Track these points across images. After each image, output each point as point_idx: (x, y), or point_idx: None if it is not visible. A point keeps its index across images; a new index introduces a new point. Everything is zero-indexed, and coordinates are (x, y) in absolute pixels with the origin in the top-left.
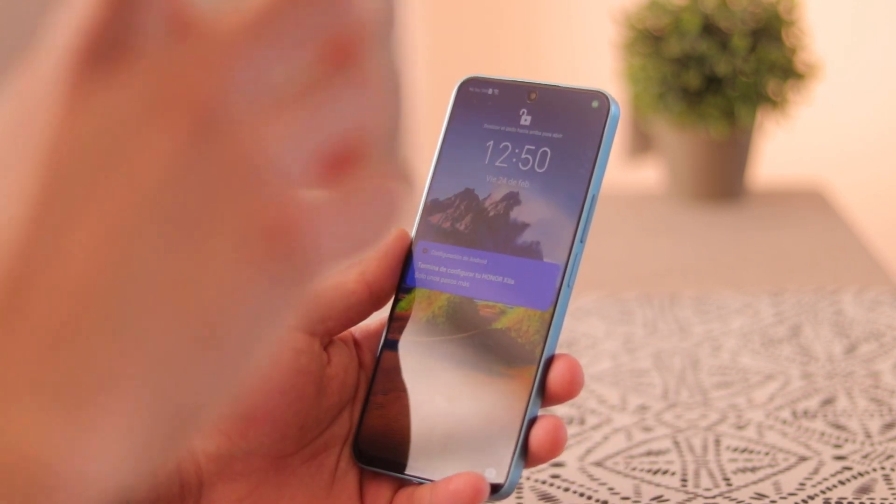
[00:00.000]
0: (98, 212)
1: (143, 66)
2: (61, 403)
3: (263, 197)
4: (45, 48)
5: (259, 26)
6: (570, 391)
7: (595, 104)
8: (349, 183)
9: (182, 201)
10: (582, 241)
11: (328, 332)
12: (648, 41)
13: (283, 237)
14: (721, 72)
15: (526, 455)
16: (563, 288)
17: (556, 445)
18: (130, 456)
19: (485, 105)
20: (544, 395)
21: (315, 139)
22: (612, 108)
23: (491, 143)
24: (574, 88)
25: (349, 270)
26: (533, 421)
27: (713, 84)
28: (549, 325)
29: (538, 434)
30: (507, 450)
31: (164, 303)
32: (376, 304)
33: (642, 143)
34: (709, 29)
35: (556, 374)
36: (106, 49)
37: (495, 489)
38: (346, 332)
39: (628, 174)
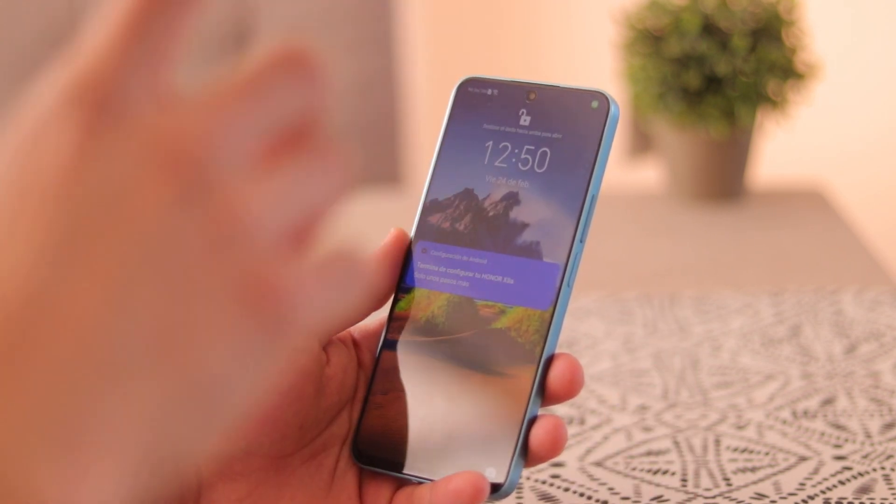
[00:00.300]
0: (96, 264)
1: (136, 126)
2: (57, 445)
3: (247, 258)
4: (47, 96)
5: (239, 97)
6: (570, 390)
7: (595, 104)
8: (323, 252)
9: (171, 256)
10: (582, 241)
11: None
12: (648, 41)
13: (265, 299)
14: (721, 72)
15: (526, 454)
16: (563, 288)
17: (556, 445)
18: (121, 494)
19: (484, 105)
20: (544, 394)
21: (289, 206)
22: (612, 109)
23: (490, 143)
24: (573, 88)
25: None
26: (533, 420)
27: (713, 84)
28: (549, 324)
29: (538, 433)
30: (507, 449)
31: (155, 355)
32: (375, 304)
33: (642, 143)
34: (709, 29)
35: (557, 374)
36: (107, 107)
37: (495, 488)
38: (344, 332)
39: (628, 174)
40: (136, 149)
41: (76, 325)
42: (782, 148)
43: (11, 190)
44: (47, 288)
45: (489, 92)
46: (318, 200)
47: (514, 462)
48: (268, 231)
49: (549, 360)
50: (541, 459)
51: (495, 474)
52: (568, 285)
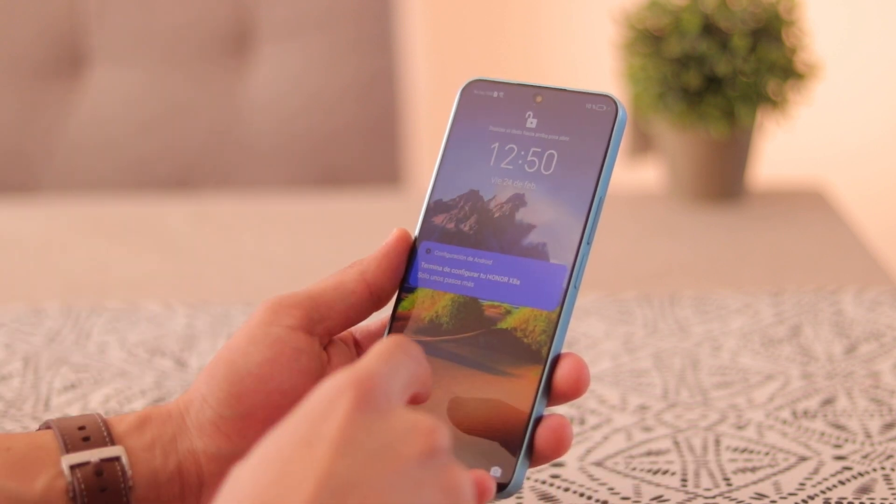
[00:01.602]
0: (367, 494)
1: (394, 410)
2: None
3: (438, 466)
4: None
5: (390, 358)
6: (576, 390)
7: (602, 108)
8: None
9: (420, 497)
10: (589, 243)
11: (328, 331)
12: (648, 41)
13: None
14: (721, 72)
15: (531, 454)
16: (569, 289)
17: (561, 444)
18: None
19: (490, 107)
20: (550, 394)
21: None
22: (620, 112)
23: (496, 145)
24: (581, 92)
25: (350, 270)
26: (539, 420)
27: (713, 84)
28: (556, 325)
29: (544, 433)
30: (512, 449)
31: None
32: (377, 304)
33: (642, 143)
34: (709, 29)
35: (563, 373)
36: (373, 396)
37: (501, 487)
38: (346, 333)
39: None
40: (397, 426)
41: None
42: (782, 148)
43: (300, 438)
44: None
45: (495, 94)
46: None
47: (519, 461)
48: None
49: (556, 361)
50: (546, 459)
51: (501, 473)
52: (575, 286)
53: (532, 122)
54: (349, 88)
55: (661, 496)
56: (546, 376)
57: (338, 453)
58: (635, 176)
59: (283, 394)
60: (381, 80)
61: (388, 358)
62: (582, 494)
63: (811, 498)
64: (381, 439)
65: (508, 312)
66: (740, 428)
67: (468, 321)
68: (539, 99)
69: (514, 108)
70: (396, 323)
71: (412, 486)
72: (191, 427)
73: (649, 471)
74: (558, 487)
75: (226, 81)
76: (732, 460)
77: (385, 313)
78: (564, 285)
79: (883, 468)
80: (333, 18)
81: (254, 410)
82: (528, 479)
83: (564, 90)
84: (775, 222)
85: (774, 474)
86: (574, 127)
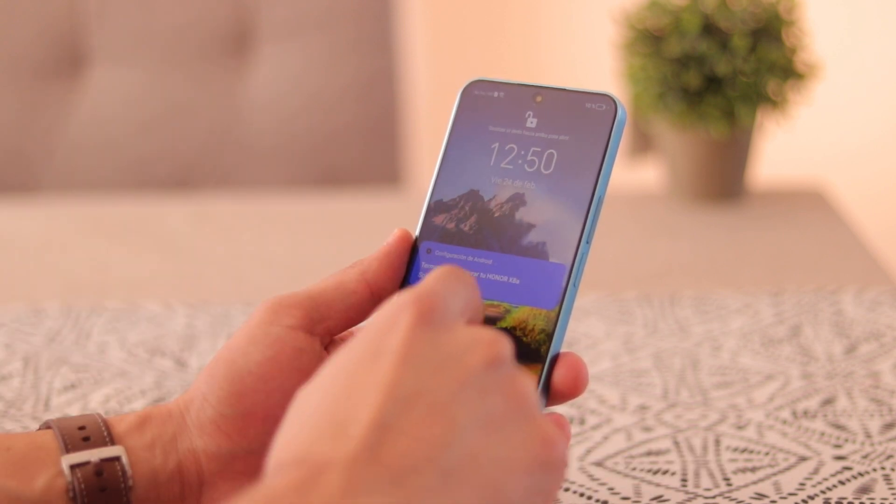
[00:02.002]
0: (431, 402)
1: (453, 325)
2: None
3: (535, 418)
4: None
5: (448, 281)
6: (575, 389)
7: (602, 107)
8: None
9: (483, 404)
10: (588, 242)
11: (328, 331)
12: (648, 41)
13: (553, 452)
14: (721, 72)
15: None
16: (569, 288)
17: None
18: None
19: (490, 107)
20: (549, 393)
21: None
22: (619, 112)
23: (496, 145)
24: (580, 91)
25: (350, 270)
26: None
27: (713, 84)
28: (556, 324)
29: (560, 371)
30: None
31: (472, 472)
32: (377, 305)
33: (642, 143)
34: (709, 29)
35: (562, 373)
36: (431, 314)
37: None
38: (347, 332)
39: (628, 174)
40: (459, 339)
41: (418, 442)
42: (782, 148)
43: (366, 353)
44: (396, 416)
45: (495, 94)
46: None
47: None
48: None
49: (555, 360)
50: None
51: None
52: (574, 286)
53: (532, 122)
54: (349, 88)
55: (661, 496)
56: (545, 375)
57: (403, 364)
58: (635, 176)
59: (284, 393)
60: (381, 80)
61: (447, 280)
62: (582, 494)
63: (811, 498)
64: (445, 350)
65: (508, 311)
66: (740, 428)
67: None
68: (539, 99)
69: (515, 108)
70: None
71: (477, 393)
72: (191, 426)
73: (649, 471)
74: None
75: (226, 81)
76: (732, 460)
77: None
78: (564, 284)
79: (883, 468)
80: (333, 18)
81: (254, 409)
82: None
83: (564, 90)
84: (775, 222)
85: (774, 474)
86: (574, 126)
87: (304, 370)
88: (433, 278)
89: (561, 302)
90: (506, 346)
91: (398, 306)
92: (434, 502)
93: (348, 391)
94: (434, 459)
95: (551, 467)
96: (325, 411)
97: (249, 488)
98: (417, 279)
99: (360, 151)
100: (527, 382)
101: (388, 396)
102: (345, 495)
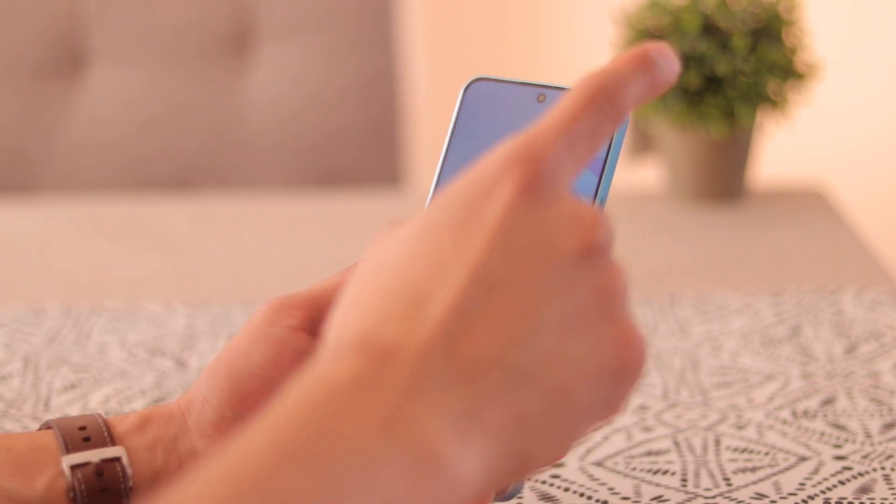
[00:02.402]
0: (516, 290)
1: (560, 200)
2: (463, 413)
3: (623, 316)
4: (497, 155)
5: (568, 128)
6: None
7: None
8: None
9: (571, 297)
10: None
11: None
12: (648, 41)
13: (633, 357)
14: (721, 72)
15: None
16: None
17: None
18: (481, 470)
19: (492, 106)
20: None
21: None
22: None
23: (499, 143)
24: None
25: (352, 270)
26: None
27: (713, 84)
28: None
29: None
30: None
31: (544, 373)
32: None
33: (642, 143)
34: (709, 29)
35: None
36: (540, 178)
37: (500, 492)
38: None
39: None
40: (558, 216)
41: (493, 339)
42: (782, 148)
43: (455, 221)
44: (478, 302)
45: (498, 92)
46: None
47: None
48: (630, 299)
49: None
50: None
51: None
52: None
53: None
54: (349, 88)
55: (661, 496)
56: None
57: (494, 244)
58: (635, 176)
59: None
60: (381, 80)
61: (567, 129)
62: (582, 494)
63: (811, 498)
64: (541, 231)
65: None
66: (740, 428)
67: None
68: (541, 98)
69: (517, 106)
70: None
71: (564, 287)
72: (192, 428)
73: (649, 471)
74: (558, 487)
75: (226, 81)
76: (732, 460)
77: None
78: None
79: (883, 468)
80: (333, 18)
81: (255, 411)
82: (529, 479)
83: (566, 89)
84: (775, 222)
85: (774, 474)
86: None
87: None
88: (550, 128)
89: None
90: (605, 231)
91: (503, 165)
92: (499, 405)
93: (430, 265)
94: (504, 359)
95: (623, 376)
96: (400, 286)
97: (303, 370)
98: None
99: (360, 151)
100: (618, 279)
101: (473, 280)
102: (408, 390)
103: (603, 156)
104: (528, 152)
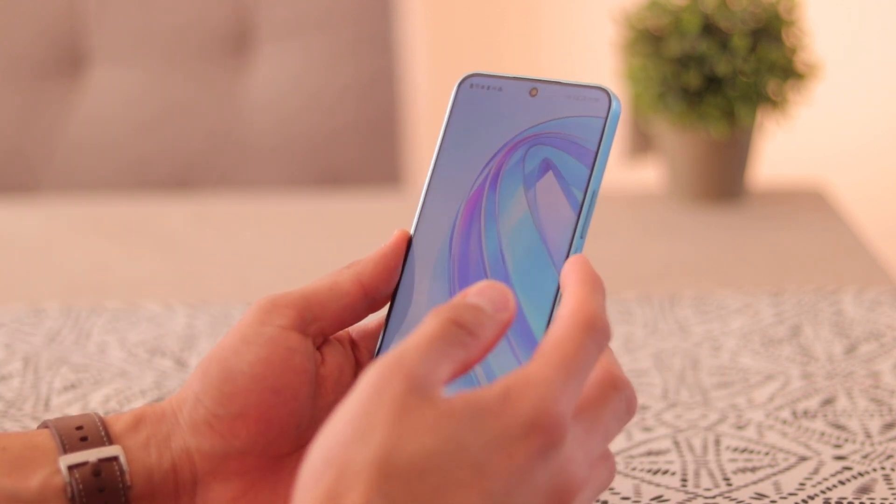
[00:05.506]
0: (482, 486)
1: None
2: None
3: None
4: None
5: (572, 375)
6: None
7: (597, 100)
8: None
9: (531, 493)
10: (582, 237)
11: (321, 331)
12: (648, 41)
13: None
14: (721, 72)
15: None
16: None
17: None
18: None
19: (486, 101)
20: None
21: (597, 450)
22: (614, 104)
23: (492, 137)
24: (575, 84)
25: (345, 271)
26: None
27: (713, 84)
28: (549, 317)
29: None
30: None
31: None
32: (371, 306)
33: (642, 143)
34: (709, 29)
35: None
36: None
37: None
38: (342, 333)
39: (628, 174)
40: (516, 416)
41: None
42: (782, 148)
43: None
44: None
45: (491, 88)
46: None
47: None
48: (587, 485)
49: None
50: None
51: None
52: None
53: (527, 116)
54: (349, 88)
55: (661, 496)
56: None
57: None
58: (635, 176)
59: (276, 393)
60: (381, 80)
61: (435, 346)
62: None
63: (811, 498)
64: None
65: None
66: (740, 428)
67: None
68: (534, 92)
69: (510, 101)
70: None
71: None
72: (184, 425)
73: (649, 471)
74: None
75: (226, 81)
76: (732, 460)
77: (383, 313)
78: (558, 279)
79: (883, 468)
80: (333, 18)
81: (247, 410)
82: None
83: (559, 83)
84: (775, 222)
85: (774, 474)
86: (568, 120)
87: (296, 370)
88: (420, 342)
89: (555, 296)
90: (563, 420)
91: (381, 383)
92: None
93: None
94: None
95: None
96: (320, 488)
97: None
98: (412, 278)
99: (360, 151)
100: (574, 464)
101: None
102: None
103: (594, 147)
104: (403, 366)
